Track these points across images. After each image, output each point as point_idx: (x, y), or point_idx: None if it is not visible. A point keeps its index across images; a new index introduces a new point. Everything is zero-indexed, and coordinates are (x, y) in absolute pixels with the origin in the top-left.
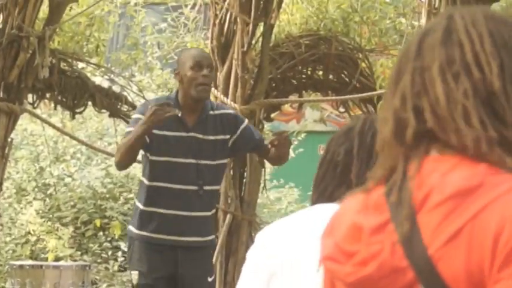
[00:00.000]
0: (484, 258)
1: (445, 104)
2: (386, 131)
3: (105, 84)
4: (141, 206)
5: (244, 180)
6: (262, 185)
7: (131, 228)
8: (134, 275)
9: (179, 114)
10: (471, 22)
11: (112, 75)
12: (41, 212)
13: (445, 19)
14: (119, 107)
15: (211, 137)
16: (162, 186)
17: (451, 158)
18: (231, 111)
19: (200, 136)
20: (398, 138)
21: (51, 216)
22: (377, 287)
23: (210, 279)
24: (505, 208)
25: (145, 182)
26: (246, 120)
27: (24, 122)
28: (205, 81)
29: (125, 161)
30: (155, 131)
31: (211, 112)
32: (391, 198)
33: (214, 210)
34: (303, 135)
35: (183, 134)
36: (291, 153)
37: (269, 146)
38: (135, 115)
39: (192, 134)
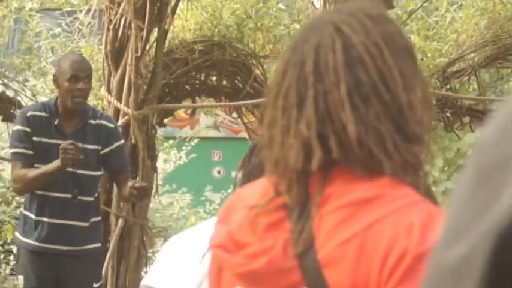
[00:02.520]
0: (370, 272)
1: (355, 131)
2: (292, 156)
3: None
4: (23, 212)
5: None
6: (154, 189)
7: (17, 234)
8: (20, 280)
9: (55, 122)
10: (364, 32)
11: (6, 80)
12: None
13: (333, 31)
14: (12, 111)
15: (90, 146)
16: (40, 194)
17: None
18: (110, 124)
19: (79, 145)
20: (305, 165)
21: None
22: (263, 281)
23: (96, 285)
24: (398, 224)
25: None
26: (123, 140)
27: None
28: (81, 94)
29: (27, 192)
30: (34, 138)
31: (90, 121)
32: (290, 201)
33: (94, 220)
34: (196, 140)
35: (60, 141)
36: (184, 158)
37: (127, 189)
38: (15, 127)
39: (70, 141)
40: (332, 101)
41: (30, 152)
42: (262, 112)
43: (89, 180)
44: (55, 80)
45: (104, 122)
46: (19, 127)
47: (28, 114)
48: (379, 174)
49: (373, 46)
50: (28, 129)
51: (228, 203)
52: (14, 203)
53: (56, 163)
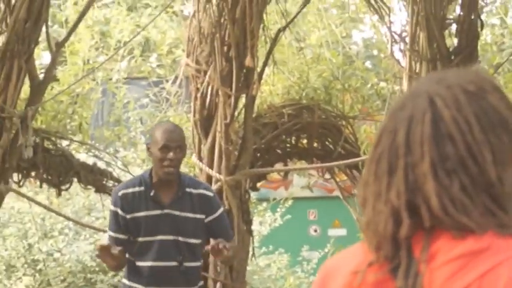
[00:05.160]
0: None
1: (438, 203)
2: (382, 222)
3: (90, 160)
4: (126, 283)
5: None
6: (251, 252)
7: None
8: None
9: (151, 194)
10: (455, 107)
11: (96, 152)
12: (31, 287)
13: (426, 103)
14: (104, 182)
15: (190, 215)
16: (146, 265)
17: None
18: (210, 193)
19: (177, 213)
20: (394, 231)
21: None
22: None
23: None
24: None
25: (130, 259)
26: (222, 208)
27: (11, 200)
28: (172, 164)
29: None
30: (128, 216)
31: (188, 189)
32: (392, 262)
33: (198, 286)
34: (290, 201)
35: (158, 211)
36: (279, 220)
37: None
38: (110, 206)
39: (167, 211)
40: (419, 173)
41: (119, 235)
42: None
43: (191, 247)
44: (148, 149)
45: (204, 191)
46: (112, 207)
47: (120, 193)
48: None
49: (464, 121)
50: (119, 211)
51: (324, 270)
52: (111, 272)
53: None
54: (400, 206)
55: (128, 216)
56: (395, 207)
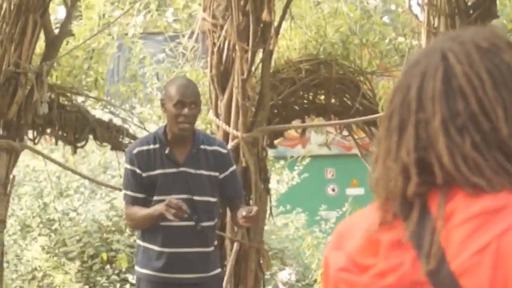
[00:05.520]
0: (508, 276)
1: (449, 161)
2: (391, 179)
3: (106, 117)
4: (141, 244)
5: None
6: (268, 212)
7: (136, 267)
8: None
9: (166, 151)
10: (468, 63)
11: (112, 108)
12: (46, 247)
13: (439, 58)
14: (120, 139)
15: (205, 172)
16: (161, 225)
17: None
18: (224, 150)
19: (192, 171)
20: (404, 188)
21: (57, 251)
22: None
23: None
24: None
25: None
26: (235, 166)
27: (26, 158)
28: (187, 120)
29: (141, 228)
30: (143, 174)
31: (203, 146)
32: (408, 220)
33: (214, 245)
34: (308, 159)
35: (173, 170)
36: (296, 179)
37: (240, 218)
38: (125, 165)
39: (183, 169)
40: (431, 130)
41: (138, 194)
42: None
43: (206, 206)
44: (162, 105)
45: (218, 148)
46: (127, 166)
47: (135, 151)
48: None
49: (476, 77)
50: (135, 169)
51: (339, 230)
52: (128, 232)
53: (160, 210)
54: (409, 163)
55: (144, 175)
56: (405, 164)
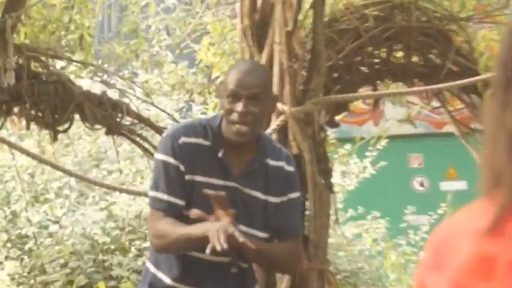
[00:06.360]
0: None
1: None
2: (498, 154)
3: (97, 88)
4: (151, 269)
5: (307, 212)
6: (332, 217)
7: None
8: None
9: (220, 154)
10: None
11: (105, 76)
12: (17, 276)
13: None
14: (118, 119)
15: (261, 196)
16: (194, 257)
17: None
18: (290, 167)
19: (246, 190)
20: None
21: (32, 282)
22: None
23: None
24: None
25: None
26: (298, 193)
27: None
28: (241, 120)
29: (170, 253)
30: (186, 176)
31: (269, 160)
32: None
33: None
34: (384, 142)
35: (221, 182)
36: (369, 169)
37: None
38: (160, 155)
39: (234, 184)
40: None
41: (179, 201)
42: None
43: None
44: (218, 93)
45: (283, 165)
46: (166, 158)
47: (181, 140)
48: None
49: None
50: (179, 164)
51: (435, 241)
52: (133, 250)
53: (204, 230)
54: None
55: (187, 177)
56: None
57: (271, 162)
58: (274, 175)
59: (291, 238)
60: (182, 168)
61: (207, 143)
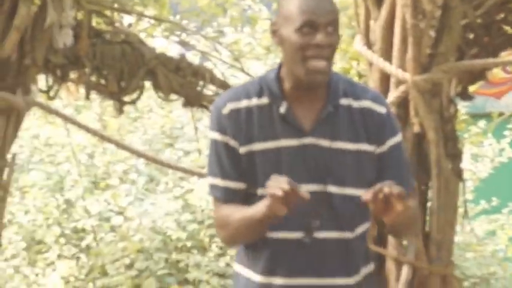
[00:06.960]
0: None
1: None
2: None
3: (174, 51)
4: (240, 271)
5: (429, 204)
6: (462, 208)
7: None
8: None
9: (282, 110)
10: None
11: (185, 36)
12: (72, 279)
13: None
14: (199, 88)
15: (349, 146)
16: (266, 239)
17: None
18: (381, 108)
19: (326, 144)
20: None
21: (90, 286)
22: None
23: None
24: None
25: None
26: (401, 135)
27: (34, 124)
28: (321, 54)
29: (238, 243)
30: (242, 148)
31: (344, 101)
32: None
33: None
34: None
35: (294, 141)
36: (508, 152)
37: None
38: (210, 133)
39: (310, 140)
40: None
41: (235, 184)
42: None
43: (349, 204)
44: (274, 32)
45: (371, 104)
46: (214, 136)
47: (225, 110)
48: None
49: None
50: (227, 140)
51: None
52: (215, 249)
53: (263, 209)
54: None
55: (242, 150)
56: None
57: (354, 103)
58: (361, 118)
59: (409, 191)
60: (233, 143)
61: (263, 101)
